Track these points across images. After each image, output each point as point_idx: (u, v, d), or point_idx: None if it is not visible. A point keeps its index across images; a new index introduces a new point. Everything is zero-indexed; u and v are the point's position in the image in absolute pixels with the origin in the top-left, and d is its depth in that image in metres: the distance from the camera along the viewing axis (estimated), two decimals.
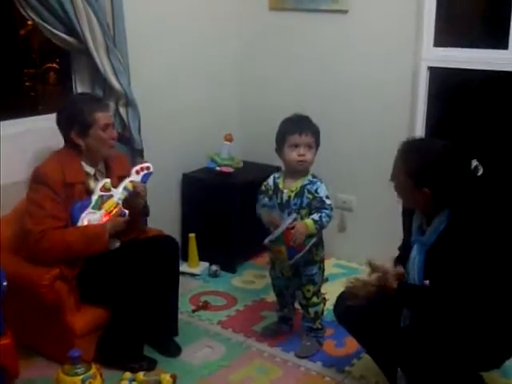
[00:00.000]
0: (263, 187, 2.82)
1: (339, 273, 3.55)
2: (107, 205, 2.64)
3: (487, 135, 3.31)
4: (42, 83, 5.27)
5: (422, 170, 2.08)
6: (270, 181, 2.80)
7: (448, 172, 2.08)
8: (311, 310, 2.85)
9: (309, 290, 2.82)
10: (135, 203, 2.72)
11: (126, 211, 2.67)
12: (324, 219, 2.66)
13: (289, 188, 2.72)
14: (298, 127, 2.68)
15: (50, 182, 2.56)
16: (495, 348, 2.13)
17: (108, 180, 2.67)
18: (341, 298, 2.43)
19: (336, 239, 3.58)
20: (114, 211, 2.65)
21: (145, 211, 2.88)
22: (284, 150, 2.69)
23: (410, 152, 2.14)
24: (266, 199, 2.78)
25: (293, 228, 2.59)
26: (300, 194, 2.70)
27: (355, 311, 2.31)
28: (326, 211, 2.67)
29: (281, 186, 2.75)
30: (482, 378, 2.27)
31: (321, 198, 2.68)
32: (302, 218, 2.66)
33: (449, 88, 3.47)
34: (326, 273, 3.33)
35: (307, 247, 2.67)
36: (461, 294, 2.03)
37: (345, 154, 3.67)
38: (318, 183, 2.71)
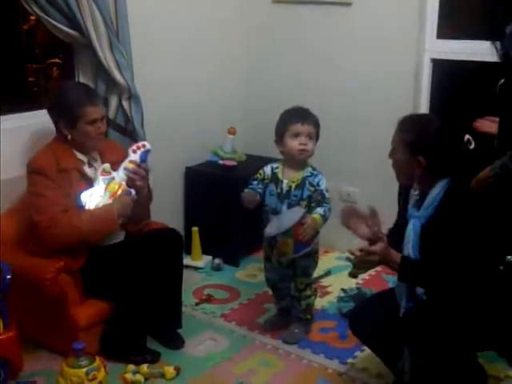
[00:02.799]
0: (258, 175, 2.81)
1: (342, 266, 3.53)
2: (110, 187, 2.63)
3: None
4: (45, 78, 5.26)
5: (417, 138, 2.17)
6: (268, 170, 2.80)
7: (441, 141, 2.16)
8: (303, 303, 2.88)
9: (302, 283, 2.84)
10: (138, 184, 2.68)
11: (132, 190, 2.66)
12: (327, 213, 2.67)
13: (289, 179, 2.73)
14: (300, 117, 2.70)
15: (44, 171, 2.57)
16: (494, 324, 2.13)
17: (107, 164, 2.67)
18: (354, 313, 2.50)
19: (338, 232, 3.57)
20: (119, 191, 2.64)
21: (148, 195, 2.85)
22: (285, 139, 2.70)
23: (407, 124, 2.23)
24: (260, 186, 2.78)
25: (302, 223, 2.59)
26: (301, 185, 2.70)
27: (369, 324, 2.35)
28: (327, 205, 2.69)
29: (280, 176, 2.75)
30: (484, 370, 2.27)
31: (322, 191, 2.70)
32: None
33: (452, 80, 3.46)
34: (329, 266, 3.35)
35: (315, 241, 2.69)
36: (455, 268, 2.06)
37: (348, 146, 3.66)
38: (320, 176, 2.72)
